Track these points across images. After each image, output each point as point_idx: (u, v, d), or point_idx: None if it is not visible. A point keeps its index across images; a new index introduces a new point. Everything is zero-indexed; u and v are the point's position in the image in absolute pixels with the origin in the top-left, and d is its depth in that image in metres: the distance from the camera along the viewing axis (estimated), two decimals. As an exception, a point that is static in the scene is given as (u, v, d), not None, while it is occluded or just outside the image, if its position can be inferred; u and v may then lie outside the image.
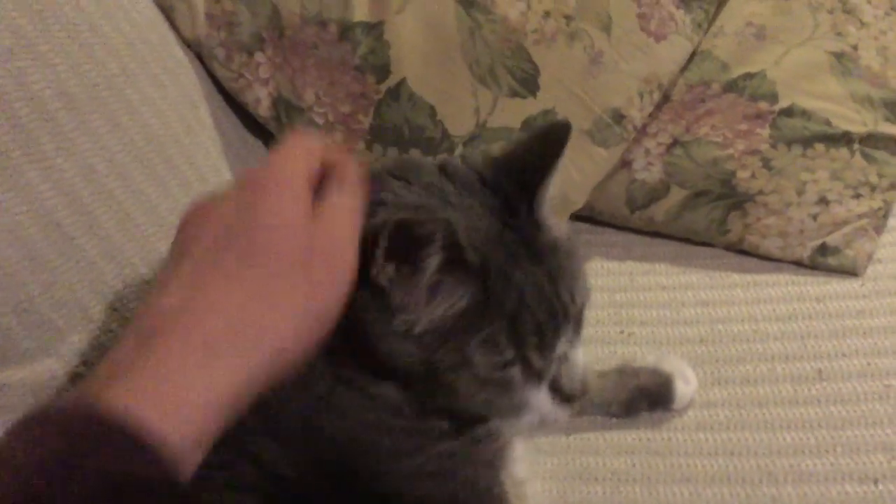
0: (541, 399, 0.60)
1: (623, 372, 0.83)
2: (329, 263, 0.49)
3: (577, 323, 0.62)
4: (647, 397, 0.81)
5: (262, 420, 0.52)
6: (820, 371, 0.83)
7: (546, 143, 0.60)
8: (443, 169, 0.61)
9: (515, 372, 0.57)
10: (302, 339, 0.47)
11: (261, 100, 0.93)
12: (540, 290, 0.57)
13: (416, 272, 0.53)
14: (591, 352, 0.88)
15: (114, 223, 0.71)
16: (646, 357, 0.84)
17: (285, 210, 0.48)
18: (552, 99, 0.93)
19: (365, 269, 0.52)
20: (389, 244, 0.51)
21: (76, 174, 0.68)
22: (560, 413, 0.61)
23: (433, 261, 0.52)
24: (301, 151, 0.52)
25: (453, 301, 0.54)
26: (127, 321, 0.70)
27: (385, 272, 0.53)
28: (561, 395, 0.61)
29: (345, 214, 0.51)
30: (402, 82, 0.91)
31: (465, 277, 0.54)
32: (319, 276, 0.48)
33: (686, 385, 0.81)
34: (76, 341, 0.67)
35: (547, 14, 0.93)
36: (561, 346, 0.60)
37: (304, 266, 0.48)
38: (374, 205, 0.56)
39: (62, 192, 0.67)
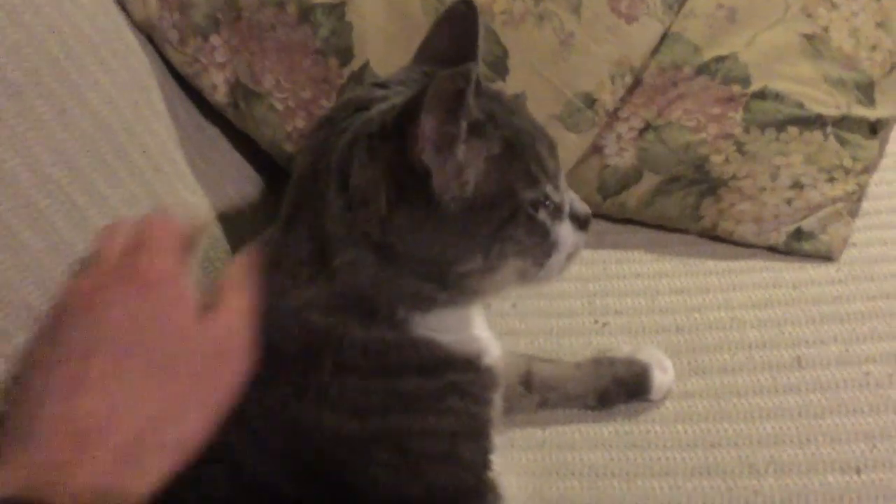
0: (567, 231, 0.64)
1: (599, 363, 0.81)
2: (231, 364, 0.55)
3: None
4: (623, 388, 0.79)
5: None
6: (798, 358, 0.81)
7: (459, 22, 0.68)
8: (381, 84, 0.67)
9: (545, 214, 0.62)
10: (209, 425, 0.53)
11: (217, 85, 0.89)
12: (535, 129, 0.63)
13: (453, 134, 0.55)
14: (565, 343, 0.86)
15: (60, 216, 0.66)
16: (622, 347, 0.82)
17: (182, 317, 0.54)
18: (522, 82, 0.90)
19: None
20: (431, 112, 0.54)
21: (19, 164, 0.64)
22: (580, 238, 0.66)
23: (465, 113, 0.55)
24: (175, 238, 0.58)
25: (487, 151, 0.58)
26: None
27: (426, 149, 0.55)
28: (578, 220, 0.66)
29: (241, 318, 0.56)
30: (365, 65, 0.87)
31: (482, 131, 0.58)
32: (223, 377, 0.54)
33: (663, 375, 0.79)
34: (22, 342, 0.62)
35: (515, -6, 0.90)
36: (562, 180, 0.65)
37: (208, 370, 0.54)
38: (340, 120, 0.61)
39: (3, 183, 0.62)
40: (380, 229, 0.57)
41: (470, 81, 0.53)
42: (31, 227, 0.64)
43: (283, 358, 0.60)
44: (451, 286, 0.60)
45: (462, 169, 0.57)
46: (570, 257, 0.66)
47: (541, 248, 0.62)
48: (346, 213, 0.58)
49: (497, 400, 0.66)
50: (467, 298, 0.64)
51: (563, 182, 0.65)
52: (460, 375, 0.63)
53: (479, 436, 0.63)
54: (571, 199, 0.66)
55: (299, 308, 0.60)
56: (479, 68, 0.67)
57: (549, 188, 0.62)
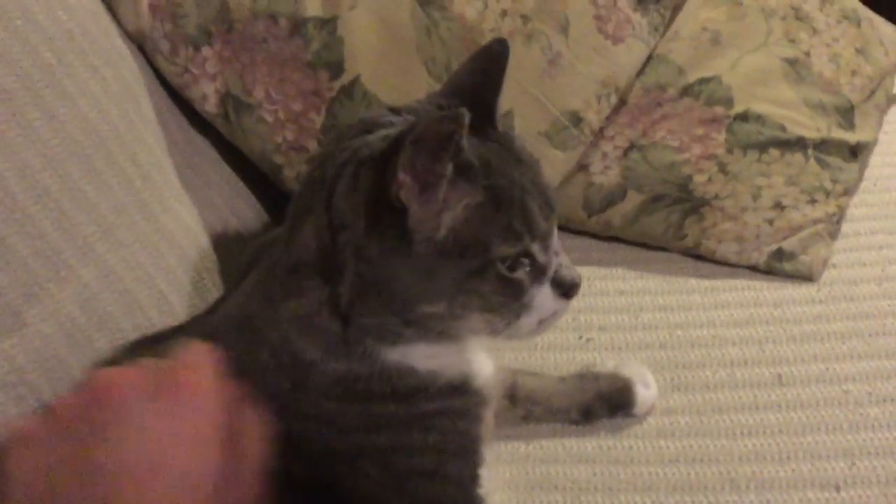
0: (544, 296, 0.61)
1: (583, 377, 0.81)
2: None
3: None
4: (607, 403, 0.79)
5: None
6: (779, 376, 0.82)
7: (488, 60, 0.65)
8: (395, 109, 0.65)
9: (522, 273, 0.59)
10: None
11: (208, 96, 0.89)
12: (533, 183, 0.60)
13: (436, 176, 0.54)
14: (549, 358, 0.87)
15: (48, 221, 0.66)
16: (605, 362, 0.83)
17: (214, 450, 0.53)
18: (509, 100, 0.91)
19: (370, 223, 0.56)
20: (415, 150, 0.53)
21: (8, 169, 0.63)
22: (561, 306, 0.63)
23: (452, 158, 0.54)
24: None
25: (469, 198, 0.56)
26: (62, 327, 0.66)
27: (405, 185, 0.54)
28: (562, 287, 0.62)
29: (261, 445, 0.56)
30: (356, 80, 0.88)
31: (472, 176, 0.56)
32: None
33: (646, 390, 0.80)
34: (7, 347, 0.62)
35: (504, 13, 0.91)
36: (556, 240, 0.62)
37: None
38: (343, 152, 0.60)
39: (-8, 187, 0.62)
40: (354, 258, 0.57)
41: (461, 125, 0.52)
42: (18, 231, 0.64)
43: (271, 371, 0.60)
44: (415, 325, 0.59)
45: (440, 211, 0.56)
46: (543, 322, 0.63)
47: (510, 307, 0.60)
48: (325, 234, 0.58)
49: (488, 417, 0.66)
50: (434, 338, 0.62)
51: (553, 244, 0.62)
52: (444, 401, 0.62)
53: (467, 453, 0.63)
54: (560, 264, 0.62)
55: (281, 322, 0.61)
56: (502, 108, 0.66)
57: (534, 247, 0.59)
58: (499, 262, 0.58)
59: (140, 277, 0.73)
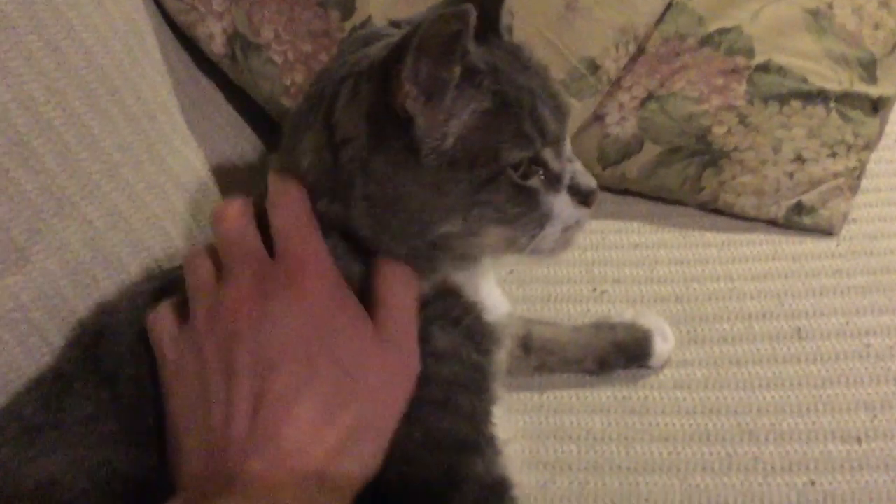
0: (563, 203, 0.59)
1: (599, 327, 0.80)
2: (405, 382, 0.56)
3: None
4: (623, 353, 0.78)
5: None
6: (798, 330, 0.80)
7: None
8: (396, 23, 0.63)
9: (537, 181, 0.57)
10: (382, 453, 0.55)
11: (214, 35, 0.87)
12: (543, 88, 0.58)
13: (442, 82, 0.52)
14: (563, 310, 0.85)
15: (52, 156, 0.64)
16: (623, 312, 0.81)
17: (356, 322, 0.55)
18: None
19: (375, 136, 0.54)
20: (418, 56, 0.51)
21: (10, 100, 0.61)
22: (582, 214, 0.60)
23: (458, 62, 0.52)
24: (302, 209, 0.56)
25: (476, 103, 0.54)
26: (66, 264, 0.64)
27: (411, 94, 0.52)
28: (580, 194, 0.60)
29: (410, 320, 0.57)
30: (367, 20, 0.85)
31: (480, 81, 0.54)
32: (398, 394, 0.55)
33: (664, 342, 0.78)
34: (10, 284, 0.60)
35: (522, -45, 0.88)
36: (568, 146, 0.60)
37: (387, 386, 0.55)
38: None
39: (-6, 118, 0.60)
40: (362, 175, 0.55)
41: (467, 23, 0.50)
42: (21, 165, 0.62)
43: None
44: (441, 248, 0.58)
45: (447, 119, 0.54)
46: (567, 232, 0.60)
47: (528, 217, 0.58)
48: (326, 152, 0.56)
49: (499, 356, 0.64)
50: (454, 261, 0.61)
51: (566, 151, 0.60)
52: (462, 314, 0.61)
53: (478, 387, 0.61)
54: (575, 171, 0.60)
55: None
56: (507, 18, 0.63)
57: (546, 153, 0.57)
58: (511, 169, 0.55)
59: (146, 218, 0.72)
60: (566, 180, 0.60)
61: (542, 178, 0.58)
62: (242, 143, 0.91)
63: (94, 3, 0.72)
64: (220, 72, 0.91)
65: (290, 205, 0.57)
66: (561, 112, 0.59)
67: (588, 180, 0.61)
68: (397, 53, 0.51)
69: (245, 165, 0.89)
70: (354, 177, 0.55)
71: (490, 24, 0.60)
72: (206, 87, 0.91)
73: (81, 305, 0.65)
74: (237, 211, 0.58)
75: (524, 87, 0.57)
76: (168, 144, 0.77)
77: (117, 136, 0.70)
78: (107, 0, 0.73)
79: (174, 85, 0.82)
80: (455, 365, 0.59)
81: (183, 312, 0.57)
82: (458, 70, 0.52)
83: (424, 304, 0.59)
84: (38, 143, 0.63)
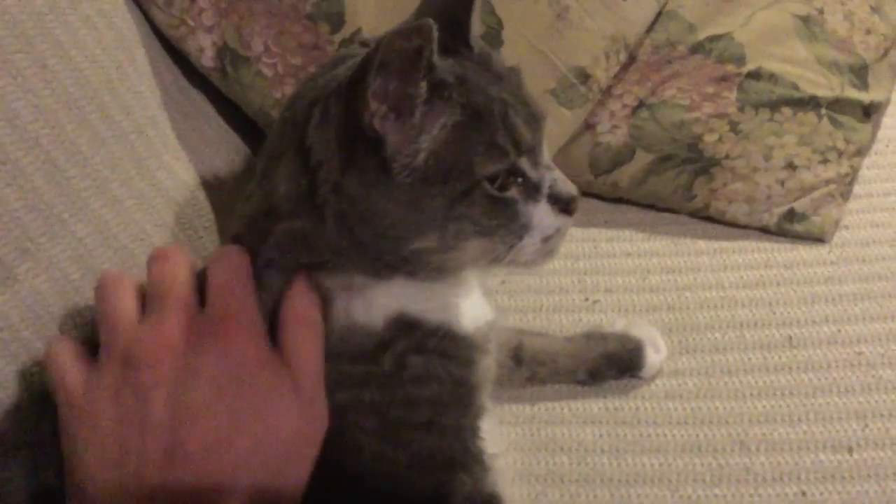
0: (542, 213, 0.58)
1: (590, 337, 0.79)
2: (320, 429, 0.55)
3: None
4: (615, 364, 0.78)
5: None
6: (790, 338, 0.80)
7: None
8: (366, 42, 0.63)
9: (514, 192, 0.57)
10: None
11: (204, 49, 0.87)
12: (515, 97, 0.57)
13: (409, 98, 0.52)
14: (554, 320, 0.85)
15: (40, 175, 0.64)
16: (615, 323, 0.81)
17: (277, 386, 0.54)
18: (516, 55, 0.88)
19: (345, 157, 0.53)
20: (382, 74, 0.50)
21: (-3, 118, 0.61)
22: (563, 222, 0.59)
23: (424, 77, 0.51)
24: (245, 273, 0.56)
25: (445, 117, 0.53)
26: (56, 283, 0.64)
27: (378, 112, 0.52)
28: (560, 202, 0.59)
29: (318, 364, 0.56)
30: (357, 32, 0.85)
31: (449, 94, 0.53)
32: (314, 445, 0.55)
33: (656, 353, 0.78)
34: (0, 303, 0.60)
35: (510, -35, 0.88)
36: (545, 153, 0.59)
37: (304, 439, 0.54)
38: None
39: (-20, 138, 0.60)
40: (335, 195, 0.54)
41: (428, 38, 0.49)
42: (9, 184, 0.62)
43: None
44: (410, 262, 0.57)
45: (417, 135, 0.53)
46: (548, 241, 0.59)
47: (507, 229, 0.57)
48: (300, 176, 0.56)
49: (484, 364, 0.63)
50: (431, 276, 0.59)
51: (544, 158, 0.59)
52: (428, 340, 0.59)
53: (462, 402, 0.60)
54: (554, 179, 0.59)
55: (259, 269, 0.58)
56: (477, 28, 0.62)
57: (522, 163, 0.56)
58: (486, 181, 0.55)
59: (136, 234, 0.71)
60: (545, 189, 0.59)
61: (521, 188, 0.57)
62: (233, 156, 0.91)
63: (83, 21, 0.72)
64: (210, 85, 0.91)
65: (229, 262, 0.56)
66: (535, 120, 0.58)
67: (568, 187, 0.60)
68: (361, 72, 0.50)
69: (235, 178, 0.89)
70: (327, 196, 0.54)
71: (460, 35, 0.59)
72: (197, 100, 0.90)
73: (70, 323, 0.65)
74: (178, 255, 0.57)
75: (495, 97, 0.56)
76: (157, 159, 0.77)
77: (106, 152, 0.70)
78: (96, 17, 0.73)
79: (164, 98, 0.82)
80: (435, 385, 0.59)
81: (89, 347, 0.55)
82: (423, 85, 0.52)
83: (385, 344, 0.58)
84: (25, 161, 0.63)
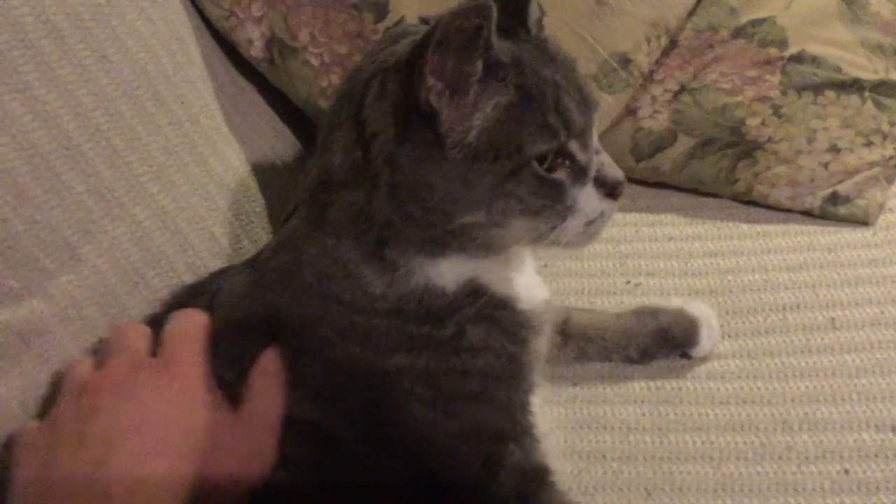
0: (587, 196, 0.59)
1: (641, 313, 0.79)
2: (255, 467, 0.56)
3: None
4: (668, 340, 0.77)
5: None
6: (833, 320, 0.80)
7: None
8: (427, 19, 0.64)
9: (562, 173, 0.58)
10: None
11: (253, 40, 0.89)
12: (568, 81, 0.58)
13: (465, 76, 0.54)
14: (596, 303, 0.86)
15: (101, 160, 0.67)
16: (671, 300, 0.81)
17: (209, 415, 0.56)
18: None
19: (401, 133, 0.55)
20: (441, 51, 0.52)
21: (61, 106, 0.64)
22: (608, 207, 0.60)
23: (480, 56, 0.53)
24: (202, 328, 0.59)
25: (499, 97, 0.55)
26: (117, 263, 0.67)
27: (434, 88, 0.54)
28: (606, 186, 0.60)
29: (270, 418, 0.58)
30: (400, 21, 0.87)
31: (503, 75, 0.55)
32: (247, 478, 0.56)
33: (710, 334, 0.77)
34: (64, 282, 0.63)
35: (553, -47, 0.89)
36: (595, 138, 0.60)
37: (234, 470, 0.56)
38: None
39: (46, 124, 0.63)
40: (388, 167, 0.56)
41: (487, 17, 0.51)
42: (73, 168, 0.65)
43: (314, 290, 0.61)
44: (459, 237, 0.59)
45: (471, 113, 0.55)
46: (591, 224, 0.60)
47: (553, 209, 0.58)
48: (356, 147, 0.58)
49: (536, 344, 0.65)
50: (478, 251, 0.61)
51: (593, 143, 0.60)
52: (486, 320, 0.61)
53: (514, 377, 0.62)
54: (602, 163, 0.60)
55: (319, 238, 0.61)
56: (535, 11, 0.64)
57: (572, 145, 0.58)
58: (535, 161, 0.56)
59: (191, 217, 0.74)
60: (592, 173, 0.60)
61: (568, 170, 0.58)
62: (281, 144, 0.94)
63: (139, 12, 0.75)
64: (258, 75, 0.94)
65: (185, 316, 0.60)
66: (587, 104, 0.59)
67: (615, 172, 0.61)
68: (420, 49, 0.52)
69: (283, 165, 0.91)
70: (381, 168, 0.57)
71: (518, 18, 0.61)
72: (246, 90, 0.93)
73: (131, 302, 0.68)
74: (132, 325, 0.62)
75: (549, 79, 0.57)
76: (211, 146, 0.80)
77: (163, 139, 0.73)
78: (150, 9, 0.76)
79: (215, 89, 0.85)
80: (490, 357, 0.60)
81: None
82: (480, 64, 0.54)
83: (453, 307, 0.60)
84: (87, 147, 0.66)
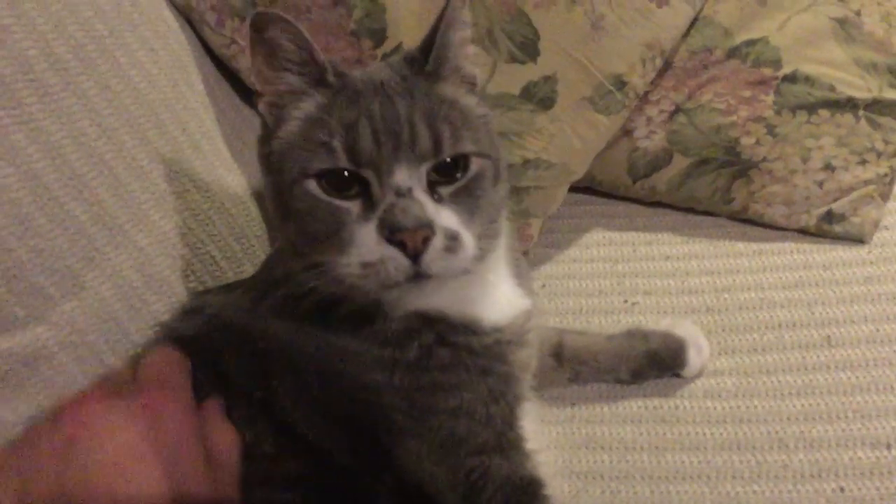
0: (365, 233, 0.56)
1: (632, 335, 0.81)
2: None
3: (438, 160, 0.58)
4: (657, 362, 0.79)
5: None
6: (828, 338, 0.81)
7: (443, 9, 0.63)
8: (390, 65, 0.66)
9: (345, 201, 0.57)
10: None
11: (254, 67, 0.91)
12: (391, 114, 0.58)
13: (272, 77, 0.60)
14: (594, 322, 0.87)
15: (104, 188, 0.68)
16: (659, 321, 0.82)
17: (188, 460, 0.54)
18: (553, 65, 0.90)
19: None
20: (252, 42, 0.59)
21: (64, 136, 0.66)
22: (390, 254, 0.55)
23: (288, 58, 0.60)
24: (173, 357, 0.60)
25: (304, 107, 0.60)
26: (119, 289, 0.68)
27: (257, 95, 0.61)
28: (387, 228, 0.55)
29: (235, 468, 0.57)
30: (398, 47, 0.89)
31: (320, 91, 0.61)
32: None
33: (699, 353, 0.79)
34: (68, 309, 0.64)
35: (547, -23, 0.90)
36: (403, 178, 0.56)
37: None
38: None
39: (50, 154, 0.64)
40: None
41: (274, 21, 0.58)
42: (76, 198, 0.66)
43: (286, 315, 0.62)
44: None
45: (282, 120, 0.61)
46: (369, 267, 0.55)
47: (335, 238, 0.57)
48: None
49: (520, 355, 0.65)
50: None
51: (399, 183, 0.56)
52: (450, 334, 0.61)
53: (493, 392, 0.61)
54: (400, 207, 0.55)
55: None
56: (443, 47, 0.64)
57: (367, 174, 0.56)
58: (314, 178, 0.57)
59: (192, 243, 0.76)
60: (380, 210, 0.56)
61: (356, 201, 0.57)
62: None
63: (141, 42, 0.76)
64: (259, 100, 0.95)
65: (162, 350, 0.61)
66: (397, 140, 0.56)
67: (405, 218, 0.55)
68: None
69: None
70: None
71: (426, 53, 0.63)
72: (247, 116, 0.95)
73: (133, 327, 0.69)
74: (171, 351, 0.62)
75: (363, 109, 0.58)
76: (212, 172, 0.81)
77: (164, 166, 0.75)
78: (153, 39, 0.78)
79: (217, 114, 0.87)
80: (462, 373, 0.60)
81: None
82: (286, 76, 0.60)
83: (410, 333, 0.60)
84: (90, 176, 0.67)
